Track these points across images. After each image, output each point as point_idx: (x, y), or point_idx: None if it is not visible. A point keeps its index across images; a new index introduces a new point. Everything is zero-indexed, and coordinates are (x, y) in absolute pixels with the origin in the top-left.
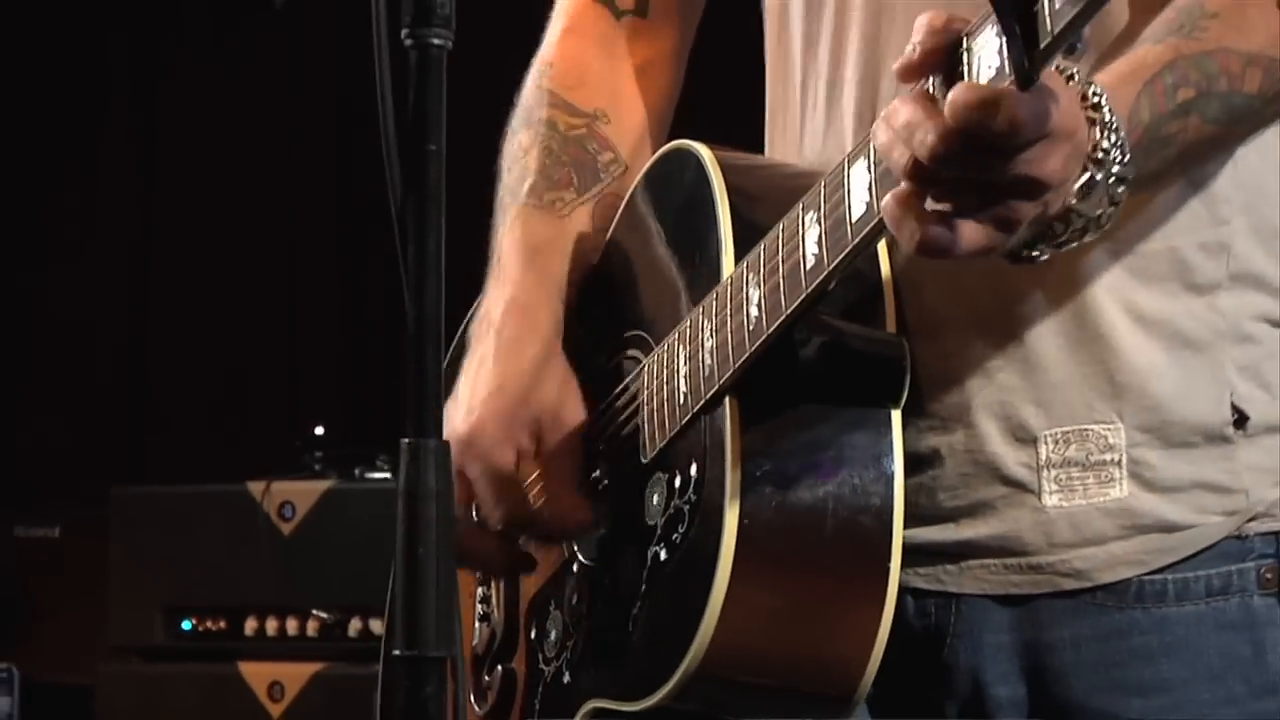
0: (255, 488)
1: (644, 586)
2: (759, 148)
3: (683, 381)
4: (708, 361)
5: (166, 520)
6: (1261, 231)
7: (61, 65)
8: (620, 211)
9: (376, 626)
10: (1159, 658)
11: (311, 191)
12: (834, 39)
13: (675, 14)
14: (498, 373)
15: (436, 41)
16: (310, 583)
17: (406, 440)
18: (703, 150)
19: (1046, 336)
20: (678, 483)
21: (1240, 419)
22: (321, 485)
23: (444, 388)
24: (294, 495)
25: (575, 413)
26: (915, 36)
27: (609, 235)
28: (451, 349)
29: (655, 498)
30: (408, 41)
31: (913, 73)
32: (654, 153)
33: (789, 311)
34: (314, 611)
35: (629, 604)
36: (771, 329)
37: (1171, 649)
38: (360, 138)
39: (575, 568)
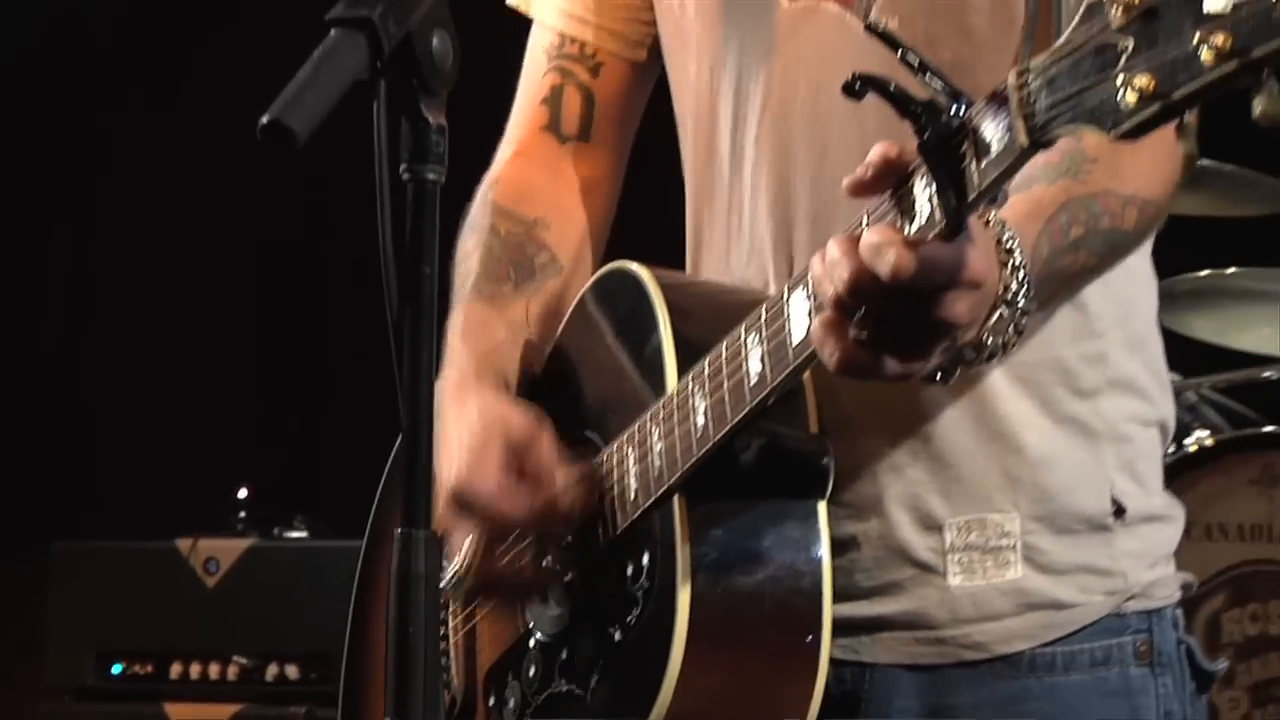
0: (183, 544)
1: (601, 663)
2: (679, 256)
3: (633, 480)
4: (657, 464)
5: (102, 572)
6: (1132, 342)
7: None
8: (565, 322)
9: (292, 671)
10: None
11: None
12: (752, 172)
13: (613, 139)
14: (460, 434)
15: (431, 176)
16: (231, 631)
17: (400, 530)
18: (642, 271)
19: (949, 436)
20: (630, 570)
21: (1119, 510)
22: (243, 543)
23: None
24: (218, 551)
25: (548, 433)
26: (871, 157)
27: (555, 342)
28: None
29: (611, 582)
30: (405, 176)
31: (861, 190)
32: (594, 259)
33: (734, 422)
34: (234, 657)
35: (586, 678)
36: (718, 437)
37: (1060, 714)
38: (278, 211)
39: (532, 643)
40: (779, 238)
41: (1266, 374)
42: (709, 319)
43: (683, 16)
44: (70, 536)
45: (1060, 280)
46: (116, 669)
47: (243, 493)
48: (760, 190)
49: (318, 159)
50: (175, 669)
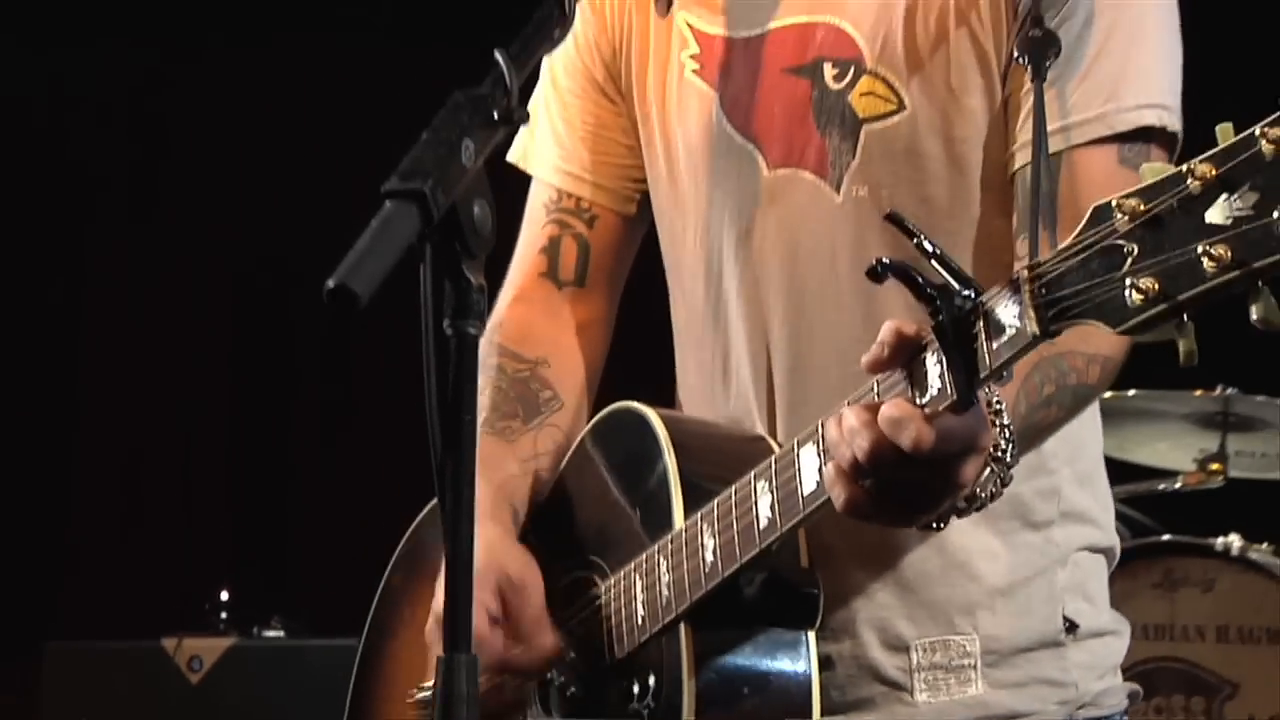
0: (169, 643)
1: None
2: (665, 393)
3: (641, 606)
4: (665, 593)
5: (93, 671)
6: (1082, 477)
7: None
8: (571, 455)
9: None
10: None
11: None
12: (735, 322)
13: (606, 284)
14: None
15: (472, 331)
16: None
17: (440, 655)
18: (648, 411)
19: (915, 565)
20: (636, 689)
21: (1071, 627)
22: (225, 642)
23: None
24: (202, 650)
25: (536, 582)
26: (885, 335)
27: (562, 474)
28: (401, 545)
29: (615, 699)
30: (449, 330)
31: (878, 367)
32: (589, 393)
33: (743, 560)
34: None
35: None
36: (726, 573)
37: None
38: (257, 323)
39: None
40: (761, 383)
41: (1162, 486)
42: (712, 460)
43: (672, 179)
44: (59, 638)
45: (1035, 433)
46: None
47: (224, 594)
48: (742, 339)
49: (288, 279)
50: None
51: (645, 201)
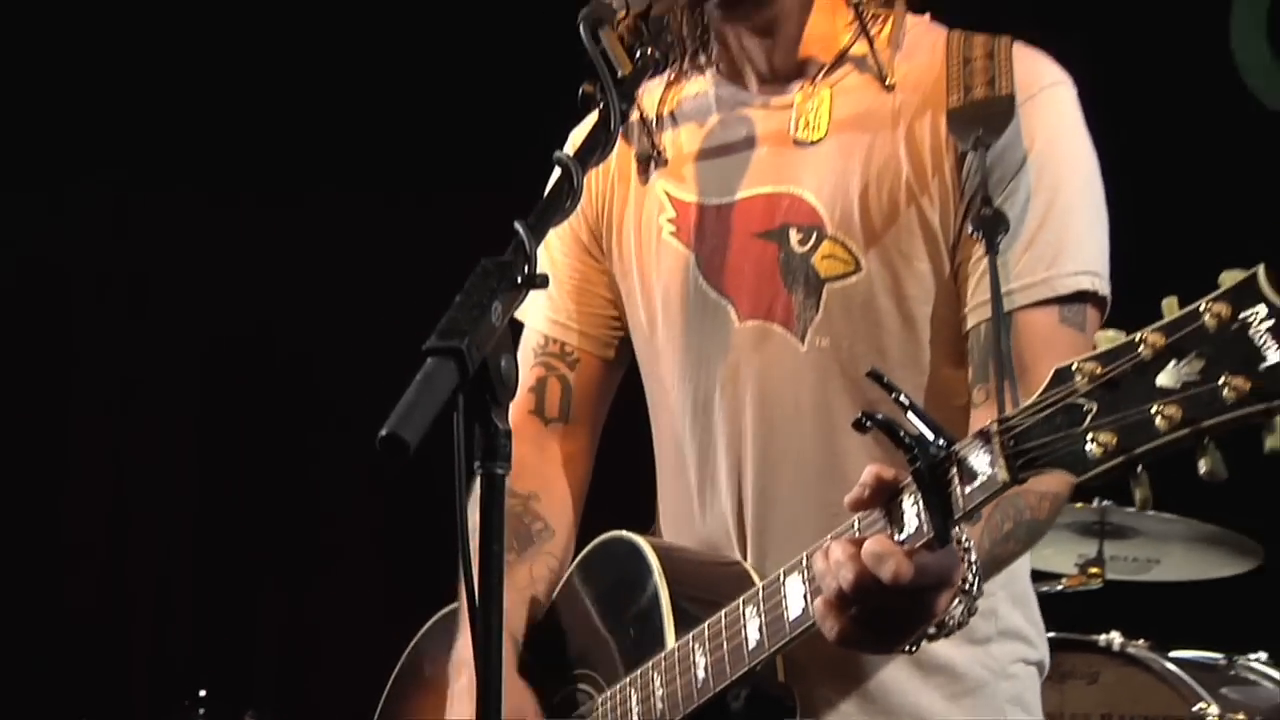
0: None
1: None
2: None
3: (636, 718)
4: (659, 706)
5: None
6: (1017, 597)
7: None
8: (566, 580)
9: None
10: None
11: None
12: (713, 456)
13: (588, 420)
14: (463, 701)
15: (499, 471)
16: None
17: None
18: (639, 540)
19: (877, 678)
20: None
21: None
22: None
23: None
24: None
25: (535, 714)
26: (865, 479)
27: (558, 595)
28: (404, 658)
29: None
30: (479, 469)
31: (860, 506)
32: (575, 519)
33: (732, 678)
34: None
35: None
36: (717, 689)
37: None
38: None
39: None
40: (736, 514)
41: (1046, 588)
42: (697, 584)
43: (652, 328)
44: None
45: (995, 565)
46: None
47: (202, 691)
48: (720, 472)
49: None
50: None
51: (624, 346)
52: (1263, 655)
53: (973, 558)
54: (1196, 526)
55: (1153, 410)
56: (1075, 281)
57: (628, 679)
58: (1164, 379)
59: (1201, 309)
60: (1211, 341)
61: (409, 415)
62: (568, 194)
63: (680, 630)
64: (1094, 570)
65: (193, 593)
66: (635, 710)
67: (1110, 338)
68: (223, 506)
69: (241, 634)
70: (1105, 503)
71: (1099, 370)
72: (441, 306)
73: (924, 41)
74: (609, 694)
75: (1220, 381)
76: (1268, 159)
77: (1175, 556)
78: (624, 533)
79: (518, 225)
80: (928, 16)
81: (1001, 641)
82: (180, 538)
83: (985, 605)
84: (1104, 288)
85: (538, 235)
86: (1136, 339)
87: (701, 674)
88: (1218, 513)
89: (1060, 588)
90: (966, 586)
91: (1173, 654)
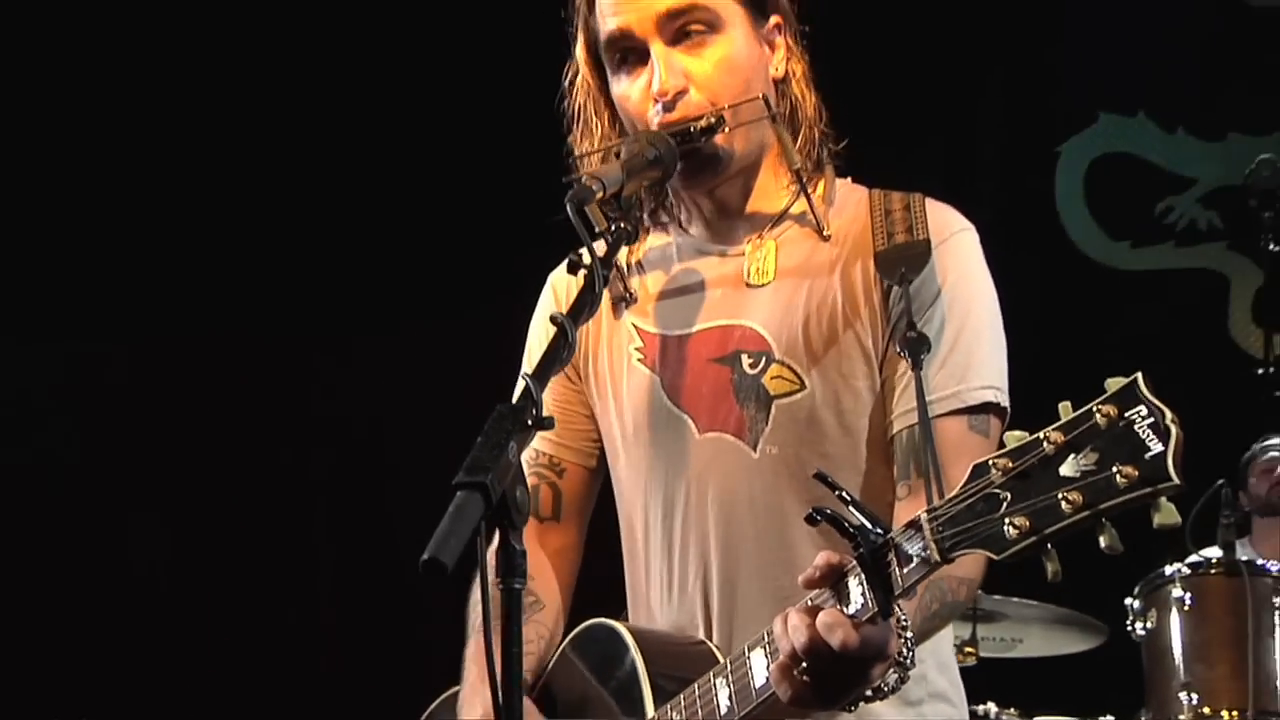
0: None
1: None
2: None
3: None
4: None
5: None
6: (943, 665)
7: None
8: (557, 657)
9: None
10: None
11: None
12: (685, 544)
13: (575, 519)
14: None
15: (517, 585)
16: None
17: None
18: (619, 625)
19: None
20: None
21: None
22: None
23: None
24: None
25: None
26: (817, 562)
27: (550, 671)
28: None
29: None
30: (500, 585)
31: (811, 584)
32: (565, 599)
33: None
34: None
35: None
36: None
37: None
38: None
39: None
40: (703, 599)
41: None
42: (668, 660)
43: (623, 441)
44: None
45: (922, 638)
46: None
47: None
48: (689, 565)
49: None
50: None
51: (603, 456)
52: (1110, 718)
53: (908, 633)
54: (1052, 610)
55: (1059, 497)
56: (981, 394)
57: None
58: (1066, 469)
59: (1094, 410)
60: (1104, 436)
61: (445, 541)
62: (564, 348)
63: (658, 700)
64: (969, 649)
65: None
66: None
67: (1017, 437)
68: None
69: None
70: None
71: (1010, 465)
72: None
73: (850, 198)
74: None
75: (1113, 470)
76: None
77: (1035, 636)
78: (605, 620)
79: (526, 379)
80: (849, 179)
81: (931, 703)
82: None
83: (917, 672)
84: (1004, 400)
85: (541, 384)
86: (1040, 437)
87: None
88: (1068, 598)
89: None
90: (901, 657)
91: (1038, 719)
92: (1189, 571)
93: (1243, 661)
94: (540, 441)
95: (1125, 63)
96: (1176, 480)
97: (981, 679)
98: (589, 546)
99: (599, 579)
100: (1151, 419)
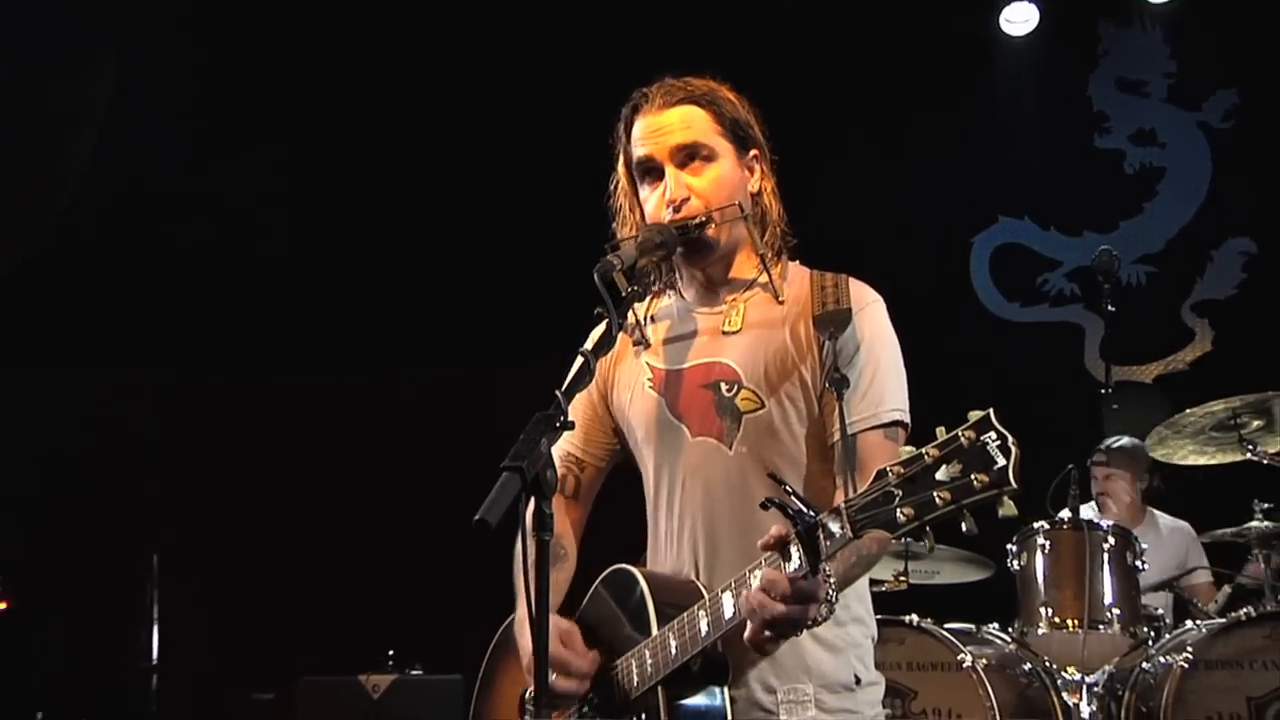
0: (363, 678)
1: None
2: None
3: (636, 675)
4: (649, 669)
5: (322, 692)
6: (859, 596)
7: None
8: (592, 591)
9: None
10: None
11: None
12: (685, 515)
13: (587, 501)
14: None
15: (546, 538)
16: None
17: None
18: (635, 569)
19: (786, 652)
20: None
21: (857, 680)
22: (390, 677)
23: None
24: (379, 682)
25: (578, 638)
26: (772, 533)
27: (586, 602)
28: (492, 645)
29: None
30: (535, 537)
31: (766, 548)
32: (575, 554)
33: (691, 653)
34: None
35: None
36: (682, 660)
37: None
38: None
39: None
40: (693, 552)
41: (876, 589)
42: (668, 595)
43: (639, 446)
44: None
45: (846, 584)
46: None
47: (390, 651)
48: (686, 530)
49: None
50: None
51: (612, 459)
52: (995, 625)
53: (832, 583)
54: (959, 551)
55: (934, 495)
56: (891, 414)
57: (631, 652)
58: (940, 475)
59: (959, 434)
60: (966, 453)
61: (491, 507)
62: (587, 375)
63: (659, 623)
64: (902, 578)
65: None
66: (635, 671)
67: (908, 451)
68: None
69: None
70: (908, 540)
71: (902, 470)
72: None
73: (798, 276)
74: (620, 661)
75: (972, 477)
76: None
77: (947, 569)
78: (625, 565)
79: (559, 395)
80: (798, 261)
81: (851, 625)
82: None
83: (843, 603)
84: (906, 418)
85: (568, 398)
86: (923, 452)
87: (673, 651)
88: (970, 544)
89: (884, 589)
90: (828, 599)
91: (946, 625)
92: (1049, 527)
93: (1081, 587)
94: (571, 445)
95: (1015, 183)
96: (1014, 485)
97: (911, 598)
98: (621, 514)
99: (626, 538)
100: (999, 441)
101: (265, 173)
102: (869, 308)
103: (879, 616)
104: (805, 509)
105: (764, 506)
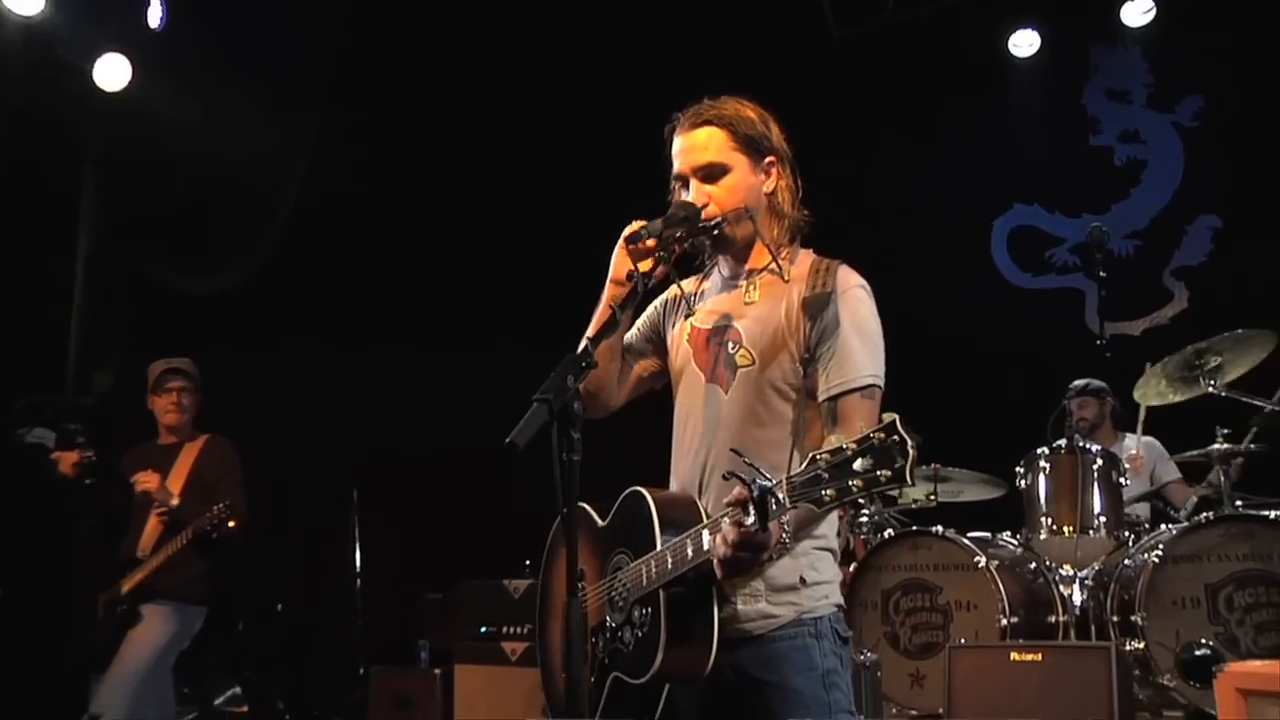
0: (505, 582)
1: (631, 642)
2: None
3: (644, 578)
4: (653, 574)
5: (480, 592)
6: (825, 535)
7: None
8: (615, 509)
9: None
10: (774, 660)
11: None
12: (694, 440)
13: (630, 376)
14: None
15: (576, 458)
16: None
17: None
18: (645, 490)
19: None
20: (639, 613)
21: (803, 580)
22: (526, 582)
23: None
24: (519, 586)
25: None
26: (734, 493)
27: (611, 515)
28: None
29: (635, 614)
30: (564, 458)
31: (730, 505)
32: (616, 387)
33: (683, 570)
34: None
35: (626, 645)
36: (676, 573)
37: (778, 656)
38: None
39: (608, 621)
40: (697, 472)
41: (911, 506)
42: (672, 513)
43: (675, 383)
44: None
45: (803, 526)
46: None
47: (527, 561)
48: (693, 455)
49: None
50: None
51: (646, 375)
52: (1006, 533)
53: (788, 528)
54: (977, 474)
55: (849, 482)
56: (865, 379)
57: (640, 561)
58: (856, 466)
59: (872, 434)
60: (876, 451)
61: (522, 432)
62: (614, 325)
63: (663, 540)
64: (932, 497)
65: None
66: (642, 574)
67: (837, 439)
68: None
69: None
70: (936, 466)
71: (830, 459)
72: None
73: (805, 260)
74: (630, 566)
75: (879, 472)
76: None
77: (969, 489)
78: (639, 487)
79: (587, 339)
80: (811, 250)
81: (806, 541)
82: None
83: (807, 533)
84: (880, 383)
85: (594, 345)
86: (844, 446)
87: (670, 565)
88: (988, 468)
89: (916, 505)
90: (784, 542)
91: (969, 534)
92: (1048, 451)
93: (1075, 501)
94: (630, 341)
95: (1025, 176)
96: (910, 482)
97: (938, 513)
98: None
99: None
100: (901, 444)
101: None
102: (850, 291)
103: (914, 528)
104: (761, 478)
105: (725, 478)
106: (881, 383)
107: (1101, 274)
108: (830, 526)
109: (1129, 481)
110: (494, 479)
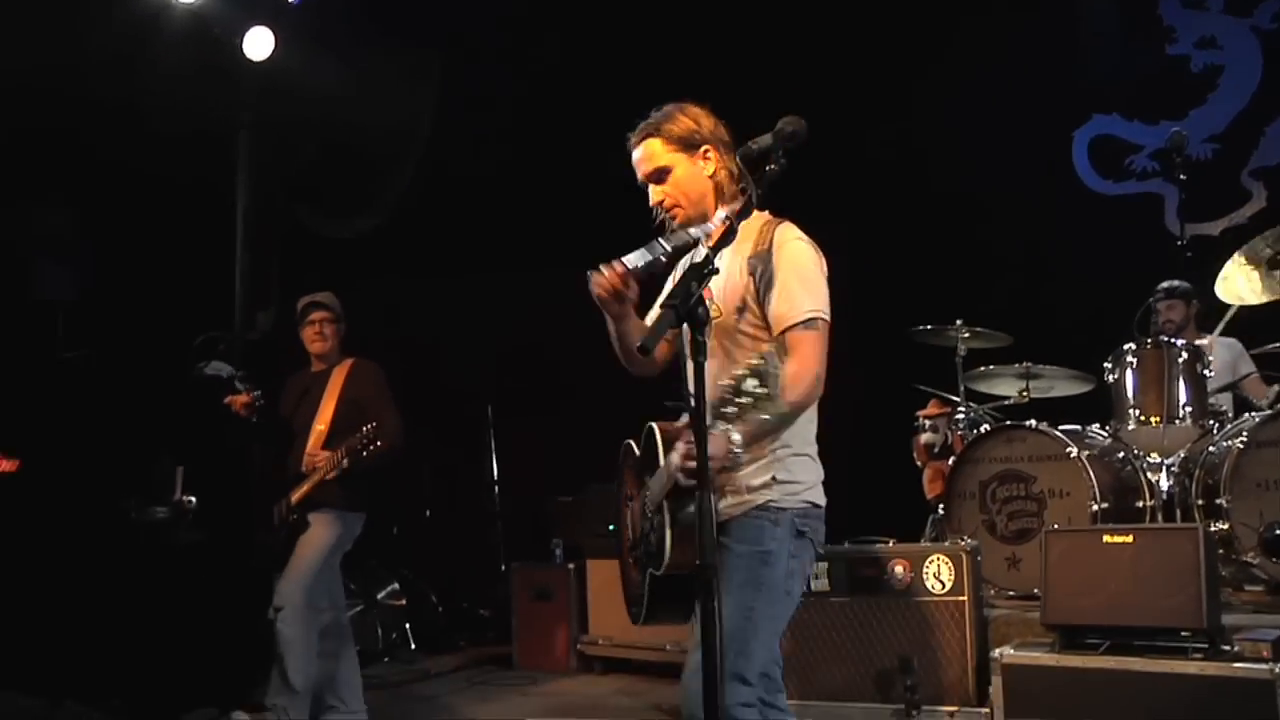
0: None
1: (655, 544)
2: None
3: (653, 493)
4: (656, 490)
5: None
6: (802, 441)
7: None
8: (642, 445)
9: None
10: (734, 531)
11: None
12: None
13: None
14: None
15: (703, 361)
16: None
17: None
18: (655, 424)
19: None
20: (655, 521)
21: (774, 479)
22: None
23: None
24: None
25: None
26: (683, 418)
27: (640, 451)
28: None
29: (654, 521)
30: (693, 360)
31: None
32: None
33: (672, 483)
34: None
35: (648, 547)
36: (671, 485)
37: (745, 533)
38: None
39: (641, 532)
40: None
41: (1006, 403)
42: (674, 444)
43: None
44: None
45: (760, 437)
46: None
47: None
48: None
49: None
50: None
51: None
52: (1096, 425)
53: (737, 441)
54: (1067, 370)
55: (739, 400)
56: (809, 312)
57: (652, 476)
58: (745, 386)
59: (755, 361)
60: (759, 373)
61: (653, 335)
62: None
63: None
64: (1025, 393)
65: None
66: (654, 489)
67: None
68: None
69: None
70: (1027, 363)
71: (731, 384)
72: None
73: (756, 221)
74: (649, 484)
75: (761, 389)
76: (1101, 216)
77: (1060, 384)
78: (651, 422)
79: (708, 249)
80: (767, 211)
81: (779, 449)
82: None
83: (782, 440)
84: (823, 315)
85: (715, 252)
86: (740, 373)
87: (664, 480)
88: (1075, 365)
89: (1010, 401)
90: (729, 454)
91: (1060, 427)
92: (1134, 347)
93: (1161, 392)
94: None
95: (1105, 86)
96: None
97: (1031, 408)
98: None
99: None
100: (775, 371)
101: None
102: (788, 244)
103: (1009, 423)
104: (689, 405)
105: (664, 405)
106: (825, 315)
107: (1181, 177)
108: (802, 436)
109: (1213, 374)
110: (614, 391)
